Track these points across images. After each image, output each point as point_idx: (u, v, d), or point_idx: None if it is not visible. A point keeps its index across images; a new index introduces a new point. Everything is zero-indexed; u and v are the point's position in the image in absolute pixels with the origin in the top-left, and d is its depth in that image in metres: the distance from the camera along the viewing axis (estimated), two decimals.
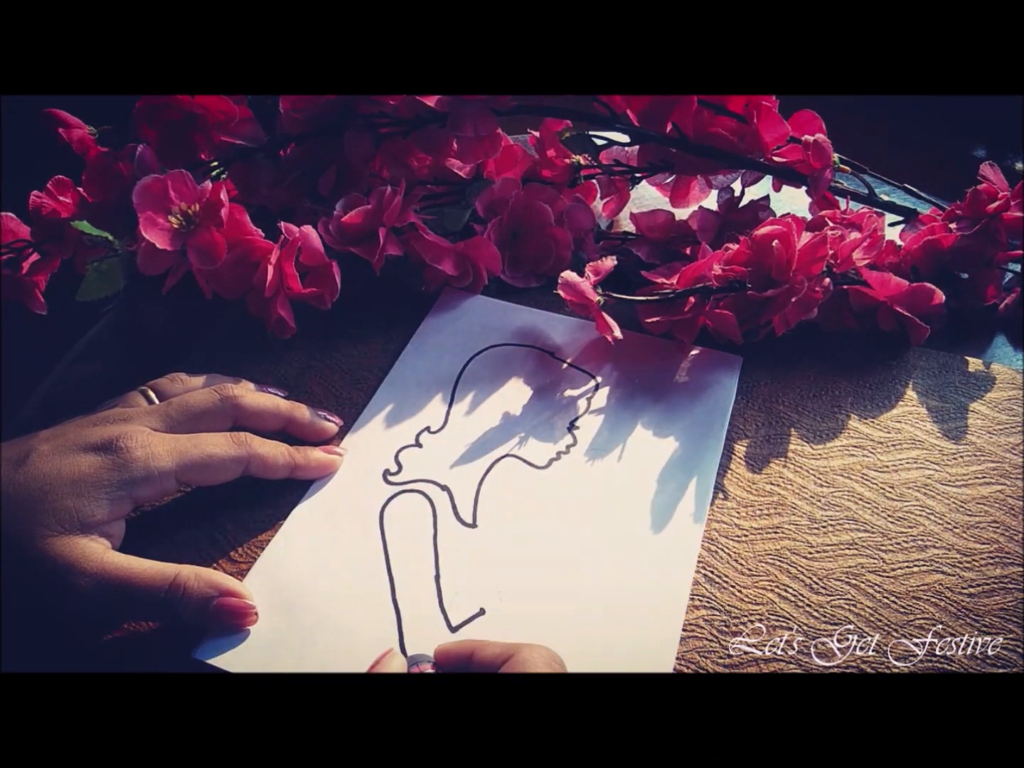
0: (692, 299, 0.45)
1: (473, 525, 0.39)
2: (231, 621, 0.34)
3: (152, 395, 0.40)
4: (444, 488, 0.40)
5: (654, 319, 0.45)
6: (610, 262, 0.45)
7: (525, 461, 0.41)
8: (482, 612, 0.35)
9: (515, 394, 0.45)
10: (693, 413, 0.43)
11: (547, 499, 0.39)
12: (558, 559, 0.37)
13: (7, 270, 0.48)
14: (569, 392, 0.45)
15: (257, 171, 0.49)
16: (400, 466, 0.41)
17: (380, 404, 0.44)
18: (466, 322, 0.49)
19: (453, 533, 0.38)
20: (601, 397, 0.44)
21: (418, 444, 0.42)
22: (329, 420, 0.42)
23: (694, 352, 0.46)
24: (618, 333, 0.43)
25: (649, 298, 0.45)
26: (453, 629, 0.35)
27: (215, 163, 0.47)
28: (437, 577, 0.37)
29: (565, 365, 0.46)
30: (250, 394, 0.40)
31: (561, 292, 0.44)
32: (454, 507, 0.39)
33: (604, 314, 0.44)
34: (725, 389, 0.44)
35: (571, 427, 0.43)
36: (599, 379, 0.45)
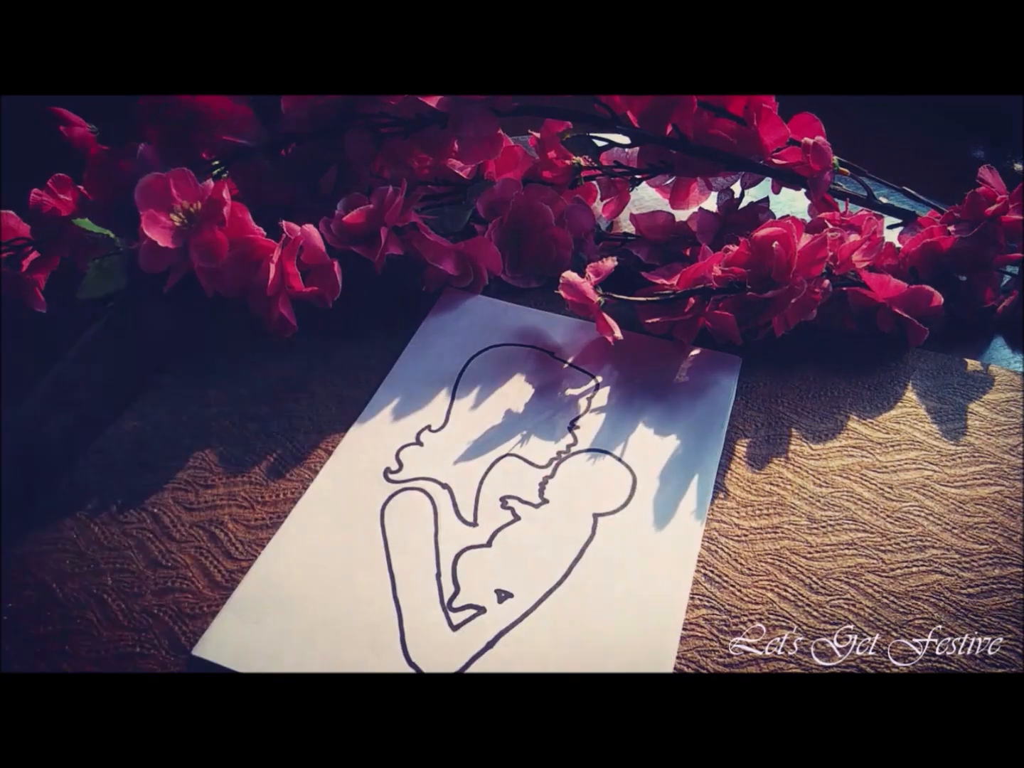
0: (692, 300, 0.45)
1: (474, 524, 0.39)
2: None
3: None
4: (445, 486, 0.40)
5: (654, 320, 0.45)
6: (611, 263, 0.45)
7: (526, 460, 0.41)
8: (483, 611, 0.35)
9: (516, 393, 0.45)
10: (693, 413, 0.43)
11: (548, 498, 0.39)
12: (559, 558, 0.37)
13: (7, 268, 0.48)
14: (570, 392, 0.45)
15: (258, 170, 0.49)
16: (401, 464, 0.41)
17: (381, 403, 0.44)
18: (467, 322, 0.49)
19: (454, 532, 0.38)
20: (602, 397, 0.44)
21: (419, 442, 0.42)
22: None
23: (694, 352, 0.46)
24: (618, 334, 0.44)
25: (649, 299, 0.46)
26: (454, 628, 0.35)
27: (216, 162, 0.47)
28: (438, 576, 0.37)
29: (565, 365, 0.46)
30: None
31: (562, 292, 0.44)
32: (455, 505, 0.39)
33: (605, 315, 0.44)
34: (724, 389, 0.44)
35: (572, 426, 0.43)
36: (599, 379, 0.45)
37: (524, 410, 0.44)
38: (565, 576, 0.36)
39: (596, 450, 0.42)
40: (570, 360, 0.47)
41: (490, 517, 0.39)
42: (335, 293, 0.46)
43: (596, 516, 0.39)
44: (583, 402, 0.44)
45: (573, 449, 0.42)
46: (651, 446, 0.42)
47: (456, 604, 0.35)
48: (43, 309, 0.50)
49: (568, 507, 0.39)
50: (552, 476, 0.41)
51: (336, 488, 0.40)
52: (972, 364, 0.45)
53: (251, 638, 0.34)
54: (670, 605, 0.35)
